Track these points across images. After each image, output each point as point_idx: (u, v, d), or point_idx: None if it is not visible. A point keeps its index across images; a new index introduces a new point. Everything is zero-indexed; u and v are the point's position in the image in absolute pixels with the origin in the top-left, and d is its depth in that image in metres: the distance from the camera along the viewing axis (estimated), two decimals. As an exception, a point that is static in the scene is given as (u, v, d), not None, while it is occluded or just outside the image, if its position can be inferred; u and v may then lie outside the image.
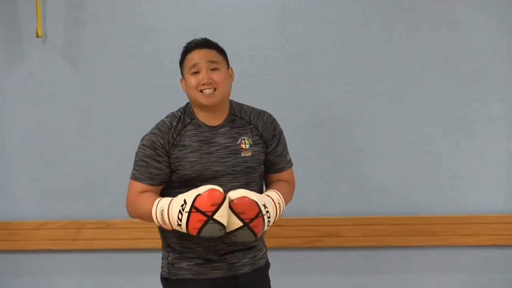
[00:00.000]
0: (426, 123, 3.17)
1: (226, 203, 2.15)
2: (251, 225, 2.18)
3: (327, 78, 3.16)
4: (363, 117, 3.17)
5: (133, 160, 2.38)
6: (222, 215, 2.14)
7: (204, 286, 2.34)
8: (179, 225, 2.18)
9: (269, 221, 2.25)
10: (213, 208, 2.13)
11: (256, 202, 2.20)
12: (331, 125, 3.18)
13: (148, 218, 2.29)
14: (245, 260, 2.39)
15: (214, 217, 2.13)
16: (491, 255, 3.19)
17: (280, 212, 2.33)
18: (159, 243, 3.10)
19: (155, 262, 3.10)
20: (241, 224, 2.18)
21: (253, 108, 2.46)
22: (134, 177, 2.35)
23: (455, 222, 3.14)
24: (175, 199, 2.21)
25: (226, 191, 2.22)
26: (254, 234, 2.21)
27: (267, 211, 2.24)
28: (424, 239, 3.15)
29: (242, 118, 2.42)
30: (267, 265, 2.50)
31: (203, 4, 3.16)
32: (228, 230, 2.19)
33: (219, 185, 2.23)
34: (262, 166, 2.43)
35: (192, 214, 2.13)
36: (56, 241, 3.19)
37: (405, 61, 3.15)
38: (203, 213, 2.13)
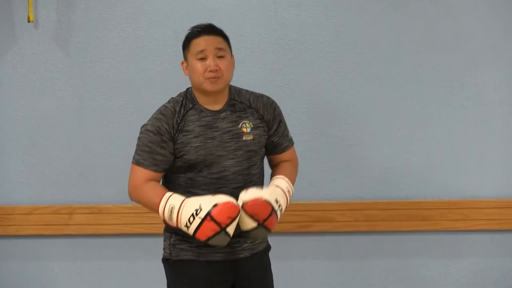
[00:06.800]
0: (419, 108, 3.17)
1: (238, 217, 2.19)
2: (265, 224, 2.24)
3: (319, 63, 3.16)
4: (355, 102, 3.17)
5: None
6: (233, 228, 2.18)
7: (204, 268, 2.36)
8: (187, 226, 2.18)
9: (281, 212, 2.31)
10: (228, 221, 2.16)
11: (269, 202, 2.24)
12: (324, 110, 3.18)
13: (151, 208, 2.29)
14: (245, 245, 2.40)
15: (227, 229, 2.16)
16: (482, 240, 3.21)
17: (289, 199, 2.38)
18: (150, 228, 3.12)
19: (147, 247, 3.13)
20: (255, 224, 2.23)
21: (251, 92, 2.48)
22: (137, 163, 2.32)
23: (446, 207, 3.16)
24: (189, 200, 2.21)
25: (230, 176, 2.31)
26: (268, 230, 2.26)
27: (279, 205, 2.29)
28: (415, 224, 3.17)
29: (242, 102, 2.43)
30: (267, 248, 2.53)
31: (195, -11, 3.16)
32: (243, 229, 2.24)
33: (223, 169, 2.30)
34: (263, 149, 2.45)
35: (206, 222, 2.15)
36: (48, 226, 3.18)
37: (399, 47, 3.15)
38: (217, 223, 2.15)
